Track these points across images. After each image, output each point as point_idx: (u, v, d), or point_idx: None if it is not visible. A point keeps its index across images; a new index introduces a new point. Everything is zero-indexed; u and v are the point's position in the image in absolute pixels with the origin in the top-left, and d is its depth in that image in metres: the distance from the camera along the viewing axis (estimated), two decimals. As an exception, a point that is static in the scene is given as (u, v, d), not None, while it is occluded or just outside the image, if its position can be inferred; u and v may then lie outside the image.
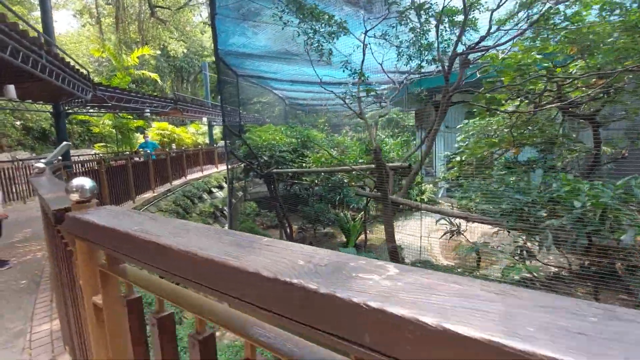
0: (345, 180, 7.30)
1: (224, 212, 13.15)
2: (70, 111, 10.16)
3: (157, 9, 20.03)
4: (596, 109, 5.27)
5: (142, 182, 9.04)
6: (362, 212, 10.99)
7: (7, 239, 5.09)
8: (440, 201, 13.52)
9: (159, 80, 15.96)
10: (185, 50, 22.36)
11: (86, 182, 0.95)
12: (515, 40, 3.80)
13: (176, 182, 12.12)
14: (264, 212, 11.80)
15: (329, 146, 9.30)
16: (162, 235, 0.63)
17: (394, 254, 4.19)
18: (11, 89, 6.16)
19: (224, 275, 0.48)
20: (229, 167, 10.14)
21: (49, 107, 10.05)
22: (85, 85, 7.22)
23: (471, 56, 4.96)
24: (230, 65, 10.42)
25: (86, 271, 0.94)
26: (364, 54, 4.95)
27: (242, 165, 9.65)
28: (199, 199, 12.48)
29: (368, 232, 9.76)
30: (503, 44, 3.79)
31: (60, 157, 5.86)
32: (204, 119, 16.06)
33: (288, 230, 7.39)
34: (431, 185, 12.78)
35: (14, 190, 9.58)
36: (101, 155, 11.51)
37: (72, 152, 10.77)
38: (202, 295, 0.64)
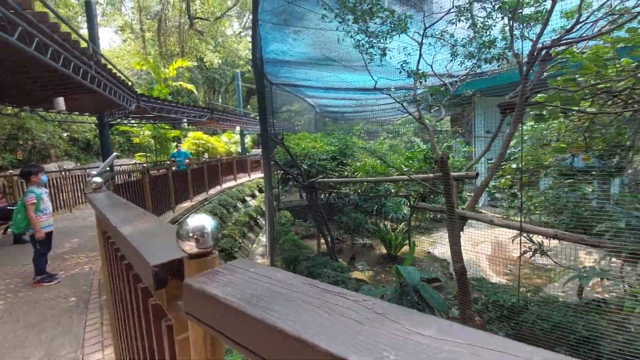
0: (393, 190, 6.84)
1: (258, 221, 13.01)
2: (113, 122, 10.43)
3: (196, 20, 20.64)
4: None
5: (181, 191, 9.04)
6: (403, 223, 10.45)
7: (54, 250, 5.08)
8: (482, 210, 12.69)
9: (194, 91, 16.31)
10: (219, 61, 22.88)
11: (207, 223, 0.60)
12: (609, 30, 3.26)
13: (212, 191, 12.14)
14: (298, 222, 11.54)
15: (368, 153, 8.90)
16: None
17: (462, 276, 3.70)
18: (61, 101, 6.28)
19: None
20: (269, 175, 10.01)
21: (93, 119, 10.37)
22: (129, 96, 7.30)
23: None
24: (267, 73, 10.36)
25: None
26: (419, 54, 4.55)
27: (280, 174, 9.45)
28: (234, 208, 12.43)
29: (405, 243, 9.22)
30: (594, 36, 3.26)
31: (108, 168, 5.85)
32: (237, 128, 16.17)
33: (329, 241, 7.01)
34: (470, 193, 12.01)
35: (61, 198, 9.89)
36: (144, 164, 11.74)
37: (114, 162, 11.06)
38: None
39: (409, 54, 5.13)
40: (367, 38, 4.58)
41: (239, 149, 19.30)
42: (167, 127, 13.63)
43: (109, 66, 5.82)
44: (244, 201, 13.74)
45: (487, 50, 4.53)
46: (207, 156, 15.78)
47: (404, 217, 11.12)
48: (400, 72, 4.55)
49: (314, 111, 17.65)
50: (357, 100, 15.75)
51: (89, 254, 5.34)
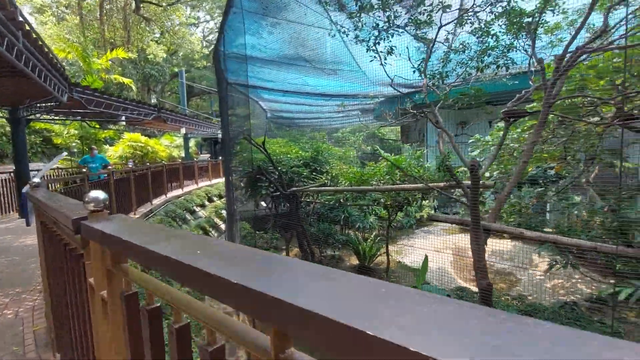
0: (382, 200, 6.47)
1: (210, 234, 11.71)
2: (30, 117, 8.44)
3: (144, 4, 18.13)
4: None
5: (123, 202, 7.57)
6: (374, 233, 10.22)
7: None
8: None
9: (133, 87, 14.24)
10: (164, 55, 20.58)
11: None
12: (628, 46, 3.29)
13: (156, 201, 10.58)
14: (259, 234, 10.61)
15: (341, 161, 8.51)
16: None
17: (487, 294, 3.40)
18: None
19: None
20: (230, 182, 8.95)
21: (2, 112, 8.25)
22: (61, 85, 5.82)
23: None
24: (227, 70, 9.38)
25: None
26: (429, 53, 4.25)
27: (243, 181, 8.51)
28: (183, 220, 11.00)
29: (379, 254, 8.99)
30: (615, 48, 3.26)
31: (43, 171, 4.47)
32: (183, 130, 14.59)
33: (310, 254, 6.36)
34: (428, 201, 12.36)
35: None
36: (70, 170, 9.71)
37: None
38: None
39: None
40: (376, 32, 4.14)
41: (182, 154, 17.49)
42: (97, 126, 11.62)
43: (40, 42, 4.47)
44: (192, 212, 12.30)
45: (500, 55, 4.40)
46: (140, 160, 13.85)
47: (371, 226, 10.93)
48: (413, 72, 4.19)
49: (264, 116, 16.82)
50: (316, 106, 15.37)
51: (8, 291, 3.94)
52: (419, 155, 8.99)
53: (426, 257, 4.70)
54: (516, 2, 4.18)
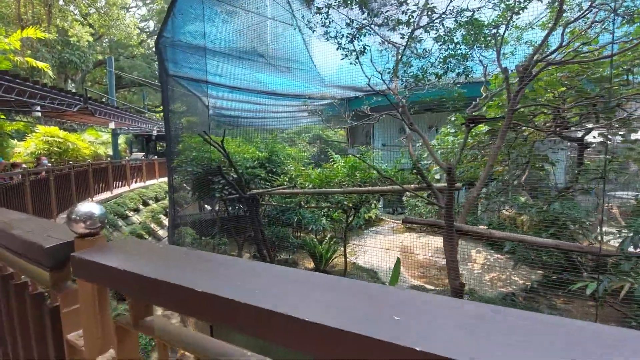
0: (345, 202, 6.36)
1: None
2: None
3: None
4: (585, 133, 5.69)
5: (43, 208, 6.36)
6: (329, 235, 10.14)
7: None
8: (382, 217, 13.65)
9: (49, 73, 12.04)
10: (90, 39, 17.85)
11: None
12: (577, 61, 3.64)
13: (82, 206, 9.18)
14: (205, 239, 9.80)
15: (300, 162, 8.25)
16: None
17: (459, 293, 3.49)
18: None
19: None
20: (172, 184, 8.07)
21: None
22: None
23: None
24: (170, 60, 8.50)
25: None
26: (401, 56, 4.25)
27: (190, 183, 7.75)
28: (114, 227, 9.71)
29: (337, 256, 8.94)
30: (570, 62, 3.58)
31: None
32: (112, 125, 12.92)
33: (269, 259, 5.98)
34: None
35: None
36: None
37: None
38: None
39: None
40: (349, 30, 4.00)
41: (110, 152, 15.52)
42: (2, 116, 9.67)
43: None
44: (125, 217, 10.95)
45: (461, 63, 4.57)
46: (61, 158, 11.89)
47: (324, 228, 10.85)
48: (385, 73, 4.13)
49: (206, 113, 15.83)
50: (264, 105, 14.90)
51: None
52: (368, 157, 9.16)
53: (398, 260, 4.66)
54: (480, 13, 4.36)
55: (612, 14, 3.44)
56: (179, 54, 8.04)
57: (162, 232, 12.00)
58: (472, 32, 4.49)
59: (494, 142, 5.72)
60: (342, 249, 9.62)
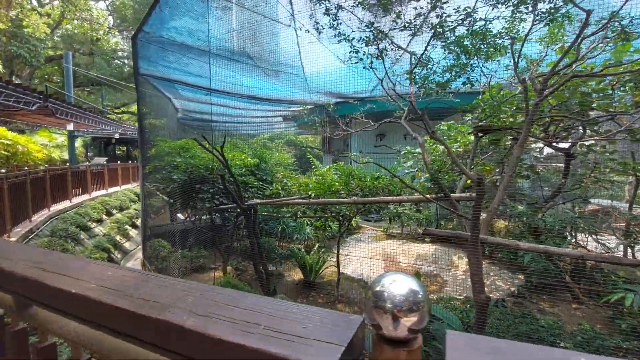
0: (346, 212, 6.12)
1: (113, 256, 9.53)
2: None
3: None
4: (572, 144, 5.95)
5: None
6: (317, 245, 9.83)
7: None
8: (363, 225, 13.60)
9: None
10: (48, 31, 15.94)
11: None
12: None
13: (37, 217, 8.09)
14: (183, 252, 9.04)
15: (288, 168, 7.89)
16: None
17: (484, 307, 3.39)
18: None
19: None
20: (144, 190, 7.35)
21: None
22: None
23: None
24: (144, 57, 7.81)
25: None
26: (417, 62, 4.13)
27: (169, 191, 7.08)
28: (76, 241, 8.67)
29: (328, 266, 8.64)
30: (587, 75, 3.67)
31: None
32: (70, 126, 11.66)
33: (264, 274, 5.55)
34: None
35: None
36: None
37: None
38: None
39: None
40: (366, 33, 3.81)
41: (65, 156, 14.02)
42: (-63, 114, 8.29)
43: None
44: (87, 229, 9.87)
45: (470, 71, 4.56)
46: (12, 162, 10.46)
47: (308, 237, 10.53)
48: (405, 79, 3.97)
49: (175, 116, 14.97)
50: (241, 109, 14.41)
51: None
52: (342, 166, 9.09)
53: (417, 273, 4.38)
54: (491, 23, 4.38)
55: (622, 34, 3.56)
56: (156, 52, 7.41)
57: (128, 245, 10.99)
58: (484, 41, 4.49)
59: (497, 152, 5.80)
60: (332, 259, 9.34)
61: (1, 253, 0.69)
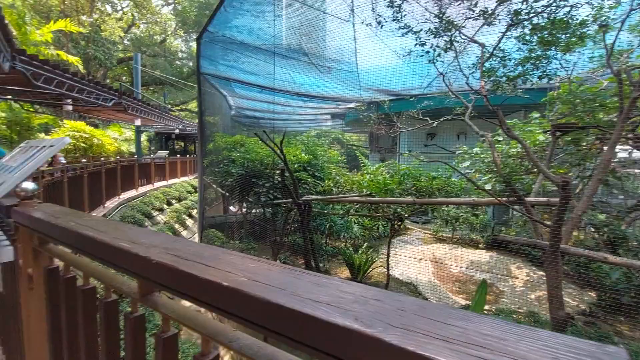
0: (402, 212, 5.94)
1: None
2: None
3: None
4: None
5: (75, 205, 6.06)
6: (365, 244, 9.70)
7: None
8: (410, 226, 13.13)
9: (80, 67, 11.86)
10: (122, 34, 17.73)
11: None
12: None
13: (110, 204, 8.91)
14: (234, 243, 9.44)
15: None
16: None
17: (561, 329, 3.01)
18: None
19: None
20: (202, 182, 7.76)
21: None
22: (3, 48, 4.32)
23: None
24: (206, 57, 8.20)
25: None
26: (489, 55, 3.82)
27: (226, 184, 7.41)
28: (141, 227, 9.40)
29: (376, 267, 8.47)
30: None
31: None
32: (137, 122, 12.69)
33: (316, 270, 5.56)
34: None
35: None
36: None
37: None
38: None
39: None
40: (441, 23, 3.59)
41: (132, 149, 15.31)
42: (32, 109, 9.48)
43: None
44: (150, 217, 10.66)
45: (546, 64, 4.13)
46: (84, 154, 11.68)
47: (355, 236, 10.41)
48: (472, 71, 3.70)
49: (228, 113, 15.60)
50: (290, 106, 14.58)
51: None
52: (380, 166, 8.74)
53: (484, 282, 3.91)
54: (577, 10, 3.93)
55: None
56: (218, 51, 7.73)
57: (185, 233, 11.69)
58: (565, 30, 4.04)
59: (573, 153, 5.23)
60: (380, 259, 9.13)
61: (131, 238, 0.73)
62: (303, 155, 6.87)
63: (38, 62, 5.32)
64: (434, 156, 9.82)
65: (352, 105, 12.65)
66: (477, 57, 4.69)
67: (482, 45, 3.98)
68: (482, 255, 10.63)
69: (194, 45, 29.26)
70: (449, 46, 3.74)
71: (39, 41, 9.32)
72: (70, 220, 0.94)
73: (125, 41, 27.05)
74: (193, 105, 30.89)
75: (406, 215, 6.01)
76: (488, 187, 7.75)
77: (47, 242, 1.15)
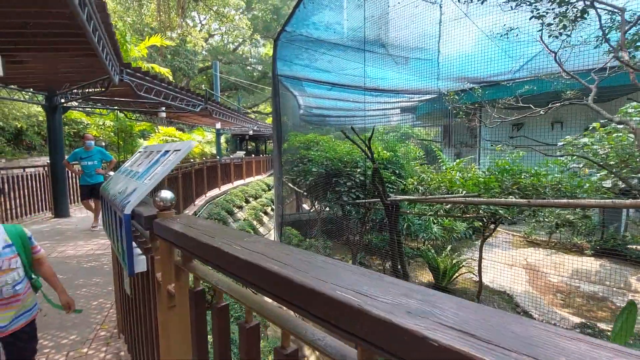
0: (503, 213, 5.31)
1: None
2: (67, 105, 7.52)
3: None
4: None
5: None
6: (450, 247, 9.03)
7: None
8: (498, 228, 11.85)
9: (170, 77, 13.24)
10: (204, 45, 19.46)
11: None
12: None
13: (199, 202, 9.64)
14: (310, 242, 9.53)
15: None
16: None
17: None
18: None
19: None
20: (280, 180, 7.91)
21: (38, 97, 7.35)
22: (114, 62, 4.81)
23: None
24: (279, 59, 8.32)
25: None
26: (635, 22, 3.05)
27: (305, 183, 7.44)
28: (224, 223, 10.01)
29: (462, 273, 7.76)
30: None
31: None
32: (218, 125, 13.62)
33: (402, 273, 5.21)
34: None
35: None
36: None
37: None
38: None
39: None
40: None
41: (214, 150, 16.55)
42: (133, 117, 10.72)
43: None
44: (231, 213, 11.31)
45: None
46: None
47: (435, 237, 9.73)
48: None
49: (298, 112, 15.81)
50: (360, 102, 14.21)
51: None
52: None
53: (632, 304, 2.89)
54: None
55: None
56: (293, 50, 7.77)
57: (262, 230, 12.18)
58: None
59: None
60: (467, 264, 8.35)
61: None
62: (384, 152, 6.53)
63: (140, 74, 5.88)
64: (521, 150, 8.64)
65: (426, 97, 11.88)
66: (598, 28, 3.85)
67: (622, 10, 3.22)
68: (591, 264, 9.21)
69: (262, 49, 30.58)
70: (579, 15, 3.07)
71: (137, 56, 10.46)
72: (225, 243, 0.79)
73: (203, 52, 29.44)
74: (262, 107, 32.32)
75: (509, 218, 5.29)
76: (607, 184, 6.55)
77: (190, 260, 1.07)
